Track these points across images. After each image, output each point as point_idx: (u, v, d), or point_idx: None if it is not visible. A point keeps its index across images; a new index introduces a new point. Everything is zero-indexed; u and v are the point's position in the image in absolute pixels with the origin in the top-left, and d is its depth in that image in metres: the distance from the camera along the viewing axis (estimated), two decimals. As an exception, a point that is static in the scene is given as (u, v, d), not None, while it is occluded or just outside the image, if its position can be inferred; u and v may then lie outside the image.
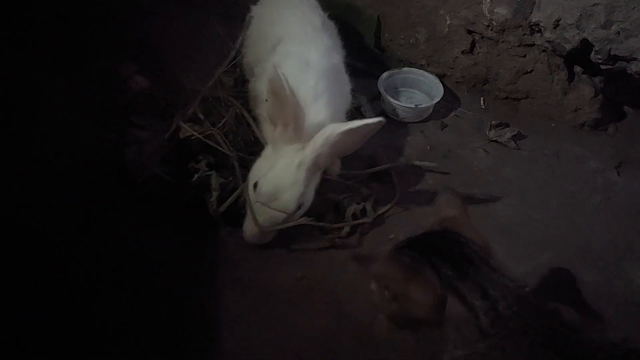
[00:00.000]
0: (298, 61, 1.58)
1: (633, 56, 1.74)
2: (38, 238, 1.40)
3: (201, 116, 1.66)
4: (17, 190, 1.44)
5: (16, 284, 1.30)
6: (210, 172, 1.59)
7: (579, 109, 2.02)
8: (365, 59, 2.19)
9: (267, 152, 1.52)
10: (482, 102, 2.13)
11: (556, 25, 1.81)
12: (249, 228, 1.49)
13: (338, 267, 1.58)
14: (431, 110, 2.05)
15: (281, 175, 1.43)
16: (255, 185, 1.45)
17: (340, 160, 1.71)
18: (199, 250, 1.58)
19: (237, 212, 1.57)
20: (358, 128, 1.40)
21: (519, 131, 2.00)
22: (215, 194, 1.58)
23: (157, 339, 1.35)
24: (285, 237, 1.58)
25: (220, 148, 1.60)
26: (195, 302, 1.45)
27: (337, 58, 1.74)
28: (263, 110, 1.59)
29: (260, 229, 1.47)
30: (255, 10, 1.88)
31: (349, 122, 1.43)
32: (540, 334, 0.90)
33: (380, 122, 1.41)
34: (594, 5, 1.71)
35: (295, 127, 1.41)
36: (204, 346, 1.37)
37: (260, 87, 1.62)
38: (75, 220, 1.51)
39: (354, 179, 1.76)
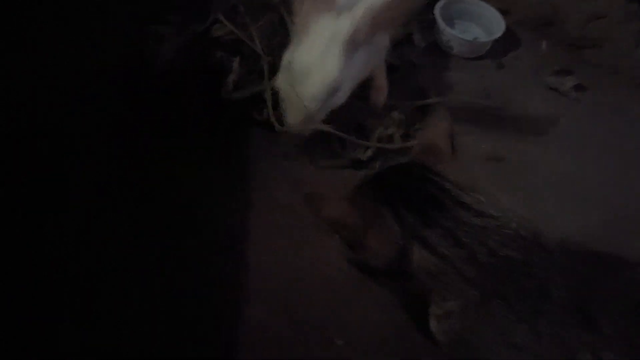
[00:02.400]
0: None
1: None
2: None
3: (242, 9, 1.48)
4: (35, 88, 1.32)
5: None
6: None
7: (650, 65, 1.84)
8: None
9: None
10: (544, 45, 1.95)
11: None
12: (288, 116, 1.28)
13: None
14: (489, 46, 1.87)
15: (312, 48, 1.19)
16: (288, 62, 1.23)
17: (386, 89, 1.56)
18: (224, 154, 1.46)
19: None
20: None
21: (580, 82, 1.83)
22: (232, 75, 1.43)
23: (175, 256, 1.24)
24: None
25: (254, 47, 1.44)
26: (219, 214, 1.34)
27: None
28: None
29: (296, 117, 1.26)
30: None
31: None
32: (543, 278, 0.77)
33: None
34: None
35: None
36: (227, 265, 1.27)
37: None
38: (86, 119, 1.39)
39: (400, 109, 1.60)
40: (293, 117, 1.26)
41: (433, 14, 1.84)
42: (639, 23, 1.81)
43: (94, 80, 1.51)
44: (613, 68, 1.89)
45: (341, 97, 1.28)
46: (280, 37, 1.50)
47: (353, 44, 1.21)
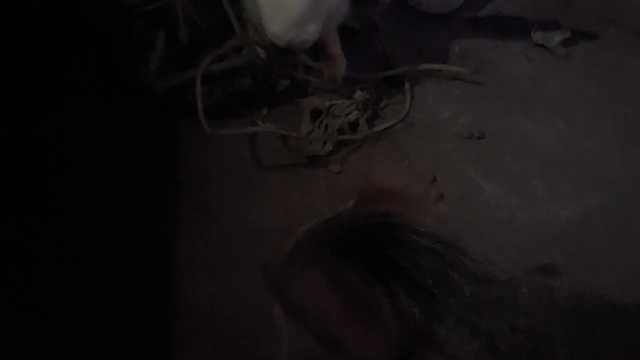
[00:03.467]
0: None
1: None
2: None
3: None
4: None
5: None
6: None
7: (649, 11, 1.59)
8: None
9: None
10: (527, -6, 1.69)
11: None
12: (278, 24, 1.05)
13: (331, 198, 1.23)
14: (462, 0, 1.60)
15: None
16: None
17: (345, 59, 1.30)
18: (146, 150, 1.18)
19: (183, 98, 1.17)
20: None
21: (570, 35, 1.58)
22: (157, 57, 1.15)
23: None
24: (262, 153, 1.22)
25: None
26: (144, 232, 1.09)
27: None
28: None
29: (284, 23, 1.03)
30: None
31: None
32: None
33: None
34: None
35: None
36: (158, 297, 1.03)
37: None
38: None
39: (362, 83, 1.35)
40: (281, 21, 1.02)
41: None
42: (636, -38, 1.55)
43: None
44: (606, 17, 1.64)
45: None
46: (211, 7, 1.22)
47: None
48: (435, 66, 1.43)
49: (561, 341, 0.56)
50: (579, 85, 1.52)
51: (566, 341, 0.56)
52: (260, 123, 1.20)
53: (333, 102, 1.25)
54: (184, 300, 1.02)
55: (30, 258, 0.94)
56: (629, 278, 1.20)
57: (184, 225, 1.10)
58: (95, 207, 1.07)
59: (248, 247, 1.09)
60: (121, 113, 1.14)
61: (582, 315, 0.59)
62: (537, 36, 1.57)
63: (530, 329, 0.55)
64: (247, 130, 1.18)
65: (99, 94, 1.12)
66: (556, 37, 1.57)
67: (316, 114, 1.25)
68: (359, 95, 1.28)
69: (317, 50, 1.29)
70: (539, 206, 1.27)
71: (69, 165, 1.04)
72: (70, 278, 0.98)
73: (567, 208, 1.28)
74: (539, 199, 1.28)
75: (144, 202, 1.11)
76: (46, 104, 1.03)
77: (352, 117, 1.25)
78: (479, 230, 1.20)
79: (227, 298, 1.03)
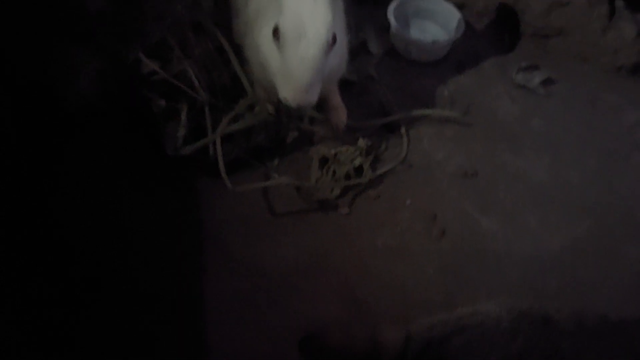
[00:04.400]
0: None
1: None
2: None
3: (173, 43, 1.30)
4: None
5: None
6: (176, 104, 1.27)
7: (618, 50, 1.73)
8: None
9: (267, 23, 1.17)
10: (506, 38, 1.83)
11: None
12: (288, 91, 1.16)
13: (342, 238, 1.33)
14: (449, 47, 1.74)
15: (299, 5, 1.11)
16: (274, 32, 1.12)
17: (346, 109, 1.42)
18: (170, 209, 1.28)
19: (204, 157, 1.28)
20: None
21: (549, 75, 1.72)
22: (182, 129, 1.27)
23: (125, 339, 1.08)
24: (276, 200, 1.33)
25: (190, 92, 1.27)
26: (171, 286, 1.17)
27: None
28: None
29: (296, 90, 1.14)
30: None
31: None
32: None
33: None
34: None
35: None
36: (186, 345, 1.11)
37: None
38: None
39: (363, 130, 1.47)
40: (291, 89, 1.14)
41: (386, 17, 1.69)
42: (603, 8, 1.69)
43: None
44: (581, 56, 1.78)
45: (335, 60, 1.20)
46: (221, 70, 1.33)
47: None
48: (427, 111, 1.55)
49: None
50: (560, 122, 1.64)
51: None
52: (275, 175, 1.31)
53: (339, 149, 1.36)
54: (214, 346, 1.10)
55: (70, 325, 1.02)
56: (622, 297, 1.30)
57: (208, 274, 1.19)
58: (126, 260, 1.16)
59: (269, 290, 1.18)
60: (147, 175, 1.25)
61: (587, 334, 0.69)
62: (519, 78, 1.70)
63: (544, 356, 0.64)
64: (266, 184, 1.29)
65: (131, 160, 1.22)
66: (536, 78, 1.70)
67: (324, 161, 1.36)
68: (361, 142, 1.39)
69: (320, 102, 1.40)
70: (533, 237, 1.37)
71: (106, 220, 1.13)
72: (107, 334, 1.06)
73: (558, 237, 1.38)
74: (532, 230, 1.39)
75: (170, 254, 1.20)
76: (85, 174, 1.13)
77: (356, 162, 1.37)
78: (480, 264, 1.30)
79: (253, 342, 1.12)
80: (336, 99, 1.43)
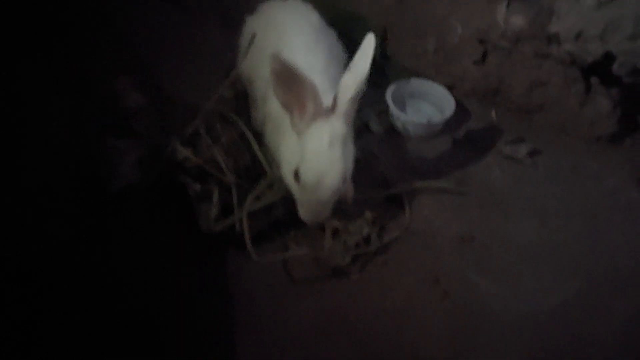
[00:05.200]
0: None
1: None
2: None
3: (203, 132, 1.51)
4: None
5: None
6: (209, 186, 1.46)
7: (595, 122, 1.93)
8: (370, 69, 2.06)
9: (291, 142, 1.39)
10: (493, 114, 2.03)
11: (578, 36, 1.71)
12: (306, 214, 1.40)
13: (354, 301, 1.47)
14: (442, 125, 1.94)
15: (317, 159, 1.32)
16: (296, 175, 1.34)
17: (352, 184, 1.59)
18: (204, 278, 1.44)
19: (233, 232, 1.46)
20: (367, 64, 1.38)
21: (534, 147, 1.90)
22: (215, 209, 1.44)
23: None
24: (294, 268, 1.48)
25: (218, 175, 1.46)
26: (209, 341, 1.31)
27: (338, 69, 1.62)
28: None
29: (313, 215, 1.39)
30: (253, 22, 1.76)
31: (357, 64, 1.38)
32: None
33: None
34: (621, 16, 1.61)
35: (314, 100, 1.30)
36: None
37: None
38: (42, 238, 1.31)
39: (368, 202, 1.64)
40: (310, 215, 1.39)
41: (384, 100, 1.91)
42: (579, 85, 1.90)
43: (46, 200, 1.37)
44: (562, 129, 1.98)
45: (344, 186, 1.40)
46: (243, 154, 1.52)
47: (345, 133, 1.35)
48: (426, 183, 1.72)
49: None
50: (546, 188, 1.81)
51: None
52: (293, 246, 1.47)
53: (349, 221, 1.52)
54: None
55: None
56: (614, 351, 1.42)
57: (239, 336, 1.33)
58: (166, 317, 1.31)
59: (294, 349, 1.32)
60: (182, 248, 1.42)
61: None
62: (507, 150, 1.89)
63: None
64: (287, 256, 1.46)
65: (167, 235, 1.40)
66: (522, 150, 1.88)
67: (335, 232, 1.52)
68: (368, 215, 1.56)
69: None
70: (527, 296, 1.50)
71: (146, 288, 1.29)
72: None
73: (551, 296, 1.51)
74: (527, 290, 1.52)
75: (204, 314, 1.35)
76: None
77: (364, 232, 1.53)
78: (480, 323, 1.43)
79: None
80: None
